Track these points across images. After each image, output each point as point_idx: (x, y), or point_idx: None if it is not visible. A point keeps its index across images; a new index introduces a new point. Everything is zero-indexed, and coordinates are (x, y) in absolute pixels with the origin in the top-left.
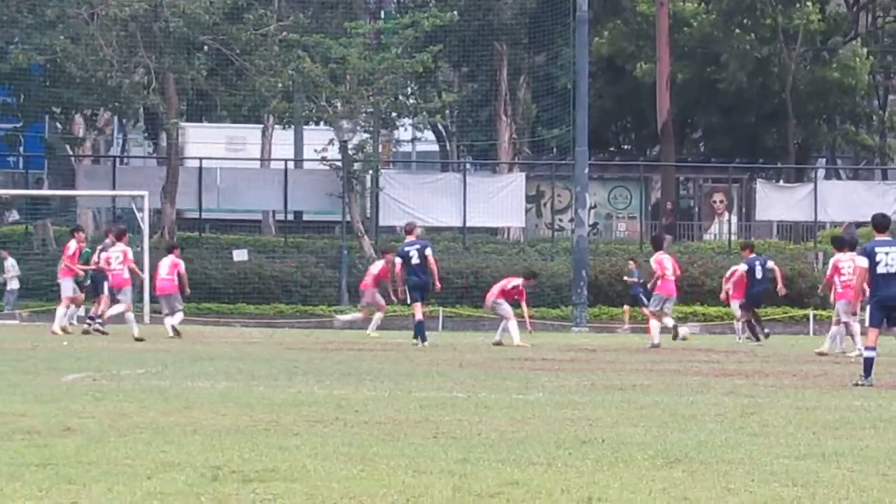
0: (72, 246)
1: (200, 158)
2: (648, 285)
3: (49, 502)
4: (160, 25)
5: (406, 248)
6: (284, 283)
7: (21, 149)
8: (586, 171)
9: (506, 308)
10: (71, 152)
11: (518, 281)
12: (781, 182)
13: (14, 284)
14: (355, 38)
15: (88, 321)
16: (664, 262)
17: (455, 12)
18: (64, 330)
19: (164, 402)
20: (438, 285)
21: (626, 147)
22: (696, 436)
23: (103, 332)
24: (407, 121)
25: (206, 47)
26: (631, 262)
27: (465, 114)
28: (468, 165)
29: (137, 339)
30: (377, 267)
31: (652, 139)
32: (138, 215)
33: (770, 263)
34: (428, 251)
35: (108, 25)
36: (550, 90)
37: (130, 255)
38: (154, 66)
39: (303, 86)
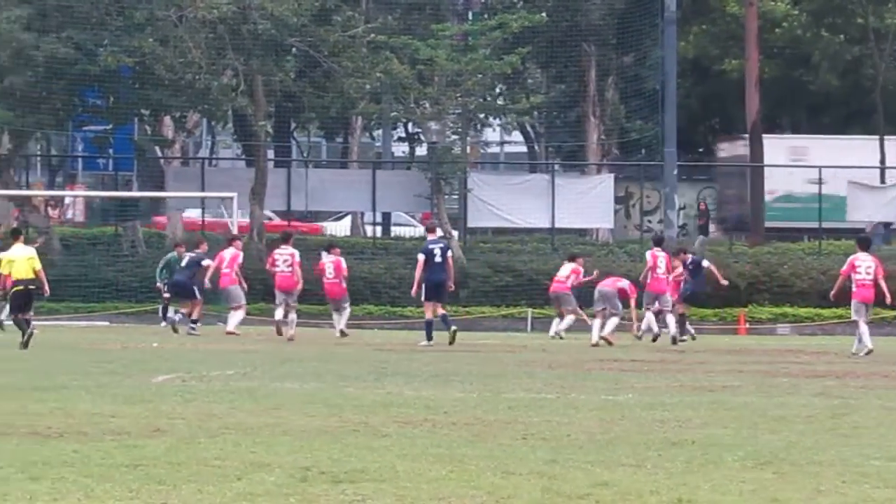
0: (228, 253)
1: (289, 160)
2: (640, 278)
3: (139, 503)
4: (248, 27)
5: (430, 247)
6: (373, 285)
7: (110, 151)
8: (675, 171)
9: (618, 305)
10: (160, 154)
11: (626, 283)
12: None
13: None
14: (443, 40)
15: (192, 325)
16: (658, 259)
17: (543, 14)
18: (232, 333)
19: (253, 403)
20: (452, 286)
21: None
22: (786, 437)
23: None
24: (495, 122)
25: (294, 49)
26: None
27: (552, 115)
28: (556, 166)
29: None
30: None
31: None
32: (227, 217)
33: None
34: (450, 252)
35: (197, 28)
36: (639, 91)
37: (298, 258)
38: (242, 69)
39: (391, 87)
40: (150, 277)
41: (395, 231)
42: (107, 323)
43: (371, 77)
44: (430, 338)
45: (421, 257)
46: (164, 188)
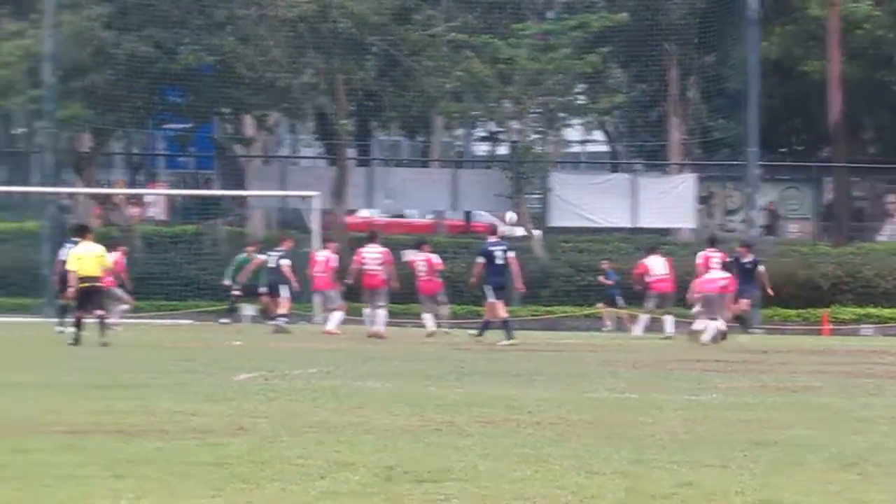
0: (321, 256)
1: (370, 159)
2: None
3: (223, 501)
4: (329, 26)
5: (490, 248)
6: (455, 284)
7: (191, 149)
8: (757, 171)
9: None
10: (240, 152)
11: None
12: None
13: None
14: (523, 39)
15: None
16: (710, 260)
17: (625, 14)
18: (332, 333)
19: (336, 402)
20: (521, 287)
21: (796, 148)
22: (871, 438)
23: (286, 332)
24: (576, 121)
25: (374, 48)
26: (604, 262)
27: (634, 114)
28: (638, 166)
29: (376, 336)
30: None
31: (822, 140)
32: (308, 216)
33: None
34: (511, 253)
35: (277, 26)
36: (720, 91)
37: (390, 255)
38: (323, 67)
39: (471, 86)
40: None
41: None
42: (189, 321)
43: (452, 76)
44: (510, 336)
45: (480, 260)
46: (244, 186)
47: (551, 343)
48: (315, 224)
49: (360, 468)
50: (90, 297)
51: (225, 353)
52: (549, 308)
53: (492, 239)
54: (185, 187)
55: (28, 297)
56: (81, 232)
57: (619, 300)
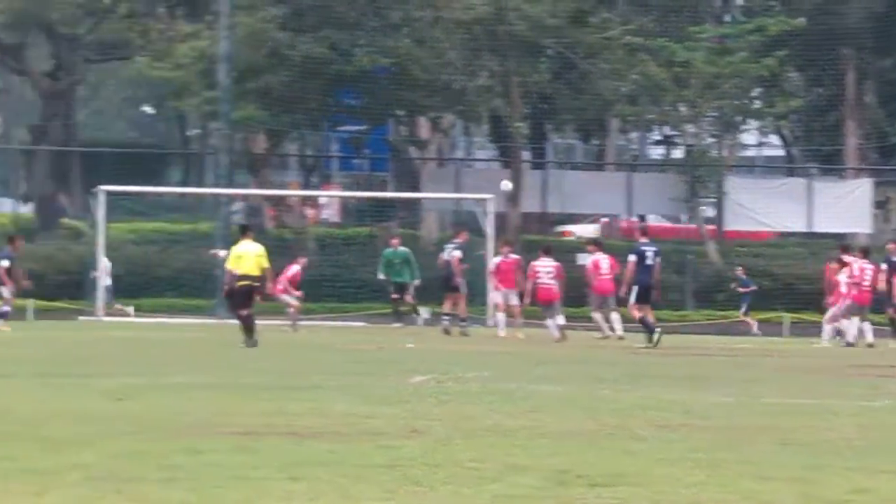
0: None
1: (544, 162)
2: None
3: (396, 503)
4: (504, 29)
5: (643, 248)
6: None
7: (366, 151)
8: None
9: None
10: (415, 155)
11: None
12: None
13: (107, 281)
14: (700, 43)
15: (450, 321)
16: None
17: (802, 18)
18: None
19: (510, 405)
20: (658, 294)
21: None
22: None
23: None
24: (752, 125)
25: (549, 51)
26: (738, 269)
27: (810, 118)
28: (813, 170)
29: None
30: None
31: None
32: (482, 219)
33: None
34: (658, 258)
35: (453, 28)
36: None
37: (562, 269)
38: (498, 70)
39: (647, 89)
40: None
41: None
42: (362, 323)
43: (627, 79)
44: (651, 338)
45: (632, 258)
46: (419, 189)
47: (725, 347)
48: (489, 226)
49: (533, 472)
50: (245, 296)
51: (398, 355)
52: (723, 312)
53: (643, 239)
54: (359, 189)
55: (202, 299)
56: (243, 231)
57: (745, 307)
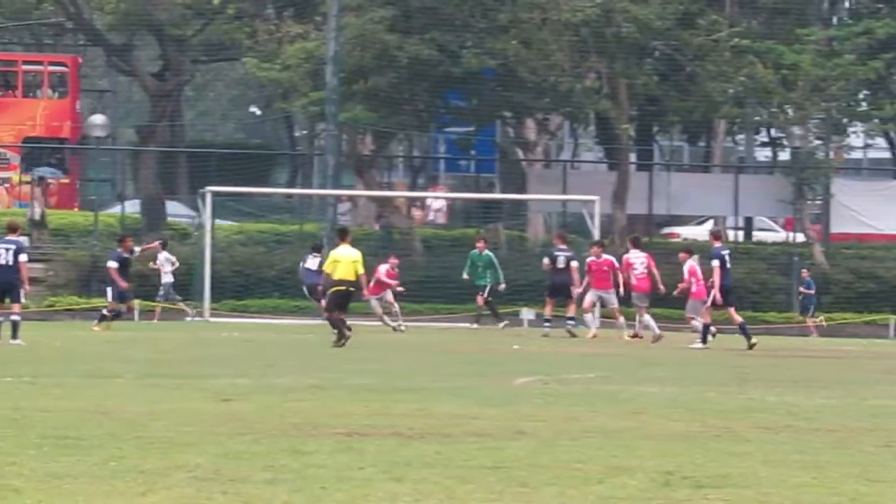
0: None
1: (651, 164)
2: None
3: None
4: (612, 31)
5: (723, 252)
6: (735, 290)
7: (473, 152)
8: None
9: None
10: (522, 156)
11: None
12: None
13: (168, 278)
14: (807, 45)
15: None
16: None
17: None
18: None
19: (615, 407)
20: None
21: None
22: None
23: (572, 335)
24: (858, 127)
25: (657, 52)
26: (804, 272)
27: None
28: None
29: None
30: None
31: None
32: (589, 220)
33: None
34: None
35: (560, 30)
36: None
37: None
38: (605, 71)
39: (754, 92)
40: (510, 280)
41: (757, 236)
42: (468, 325)
43: (735, 81)
44: (704, 340)
45: (716, 262)
46: (525, 190)
47: (831, 349)
48: (596, 228)
49: (637, 473)
50: (342, 300)
51: (504, 356)
52: (829, 314)
53: (717, 244)
54: (466, 191)
55: (308, 301)
56: (341, 235)
57: (811, 309)
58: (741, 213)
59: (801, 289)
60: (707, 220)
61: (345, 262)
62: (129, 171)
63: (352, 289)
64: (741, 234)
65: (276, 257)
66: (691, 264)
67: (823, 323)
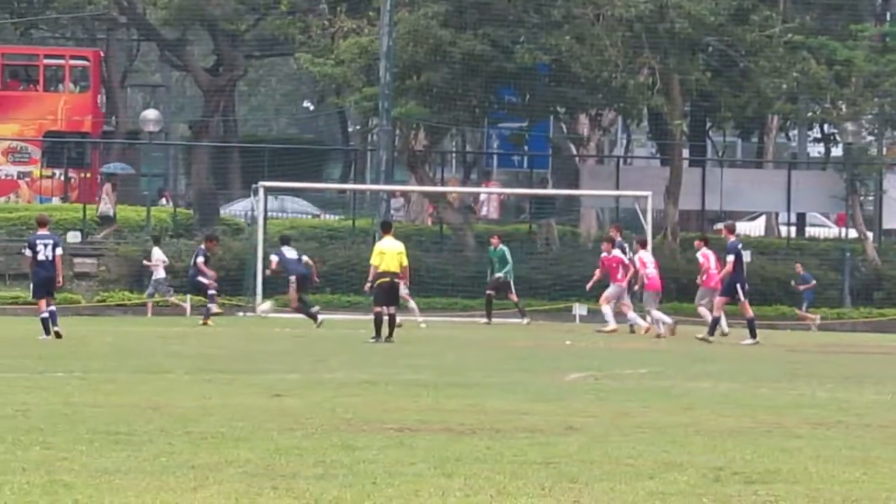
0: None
1: (704, 159)
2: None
3: (552, 500)
4: (665, 26)
5: (738, 246)
6: (785, 285)
7: (525, 148)
8: None
9: None
10: (575, 152)
11: None
12: None
13: (160, 273)
14: (861, 41)
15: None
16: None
17: None
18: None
19: (667, 402)
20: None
21: None
22: None
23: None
24: None
25: (710, 48)
26: (798, 266)
27: None
28: None
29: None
30: None
31: None
32: (641, 216)
33: None
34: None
35: (614, 26)
36: None
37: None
38: (658, 67)
39: (807, 88)
40: (564, 275)
41: (810, 231)
42: (518, 320)
43: (788, 77)
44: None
45: (731, 256)
46: (578, 186)
47: (883, 346)
48: (648, 224)
49: (688, 469)
50: (388, 292)
51: (555, 352)
52: (881, 310)
53: (732, 238)
54: (519, 186)
55: (360, 296)
56: (385, 228)
57: (806, 303)
58: (794, 208)
59: (796, 284)
60: (759, 215)
61: (390, 253)
62: (181, 167)
63: (396, 280)
64: (794, 229)
65: (328, 252)
66: (705, 252)
67: (818, 319)
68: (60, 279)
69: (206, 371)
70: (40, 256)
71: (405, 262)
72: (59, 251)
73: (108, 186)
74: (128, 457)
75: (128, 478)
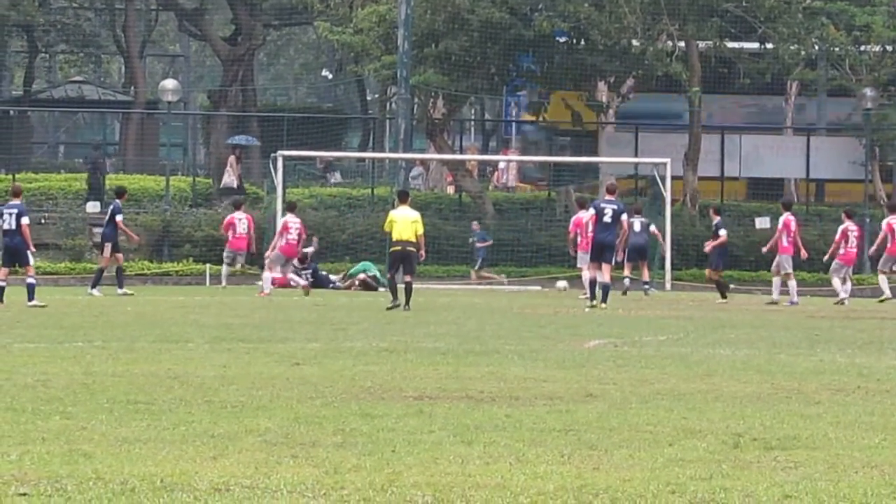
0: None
1: (722, 126)
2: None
3: (571, 467)
4: None
5: (602, 205)
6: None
7: (544, 115)
8: None
9: None
10: (595, 119)
11: None
12: None
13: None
14: (880, 6)
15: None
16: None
17: None
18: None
19: (686, 369)
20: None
21: None
22: None
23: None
24: None
25: (728, 14)
26: (474, 224)
27: None
28: None
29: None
30: None
31: None
32: (660, 182)
33: None
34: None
35: None
36: None
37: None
38: (677, 33)
39: (826, 53)
40: None
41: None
42: (538, 287)
43: (807, 43)
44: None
45: (590, 213)
46: (597, 153)
47: None
48: (667, 191)
49: (707, 435)
50: (399, 260)
51: (575, 319)
52: None
53: (608, 197)
54: (538, 154)
55: (380, 264)
56: (401, 197)
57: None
58: (812, 174)
59: (473, 242)
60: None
61: (402, 221)
62: (200, 136)
63: (409, 248)
64: (813, 196)
65: (347, 221)
66: (785, 218)
67: (503, 279)
68: (31, 247)
69: (226, 340)
70: (5, 226)
71: (420, 231)
72: (24, 220)
73: (232, 158)
74: (147, 426)
75: (147, 447)
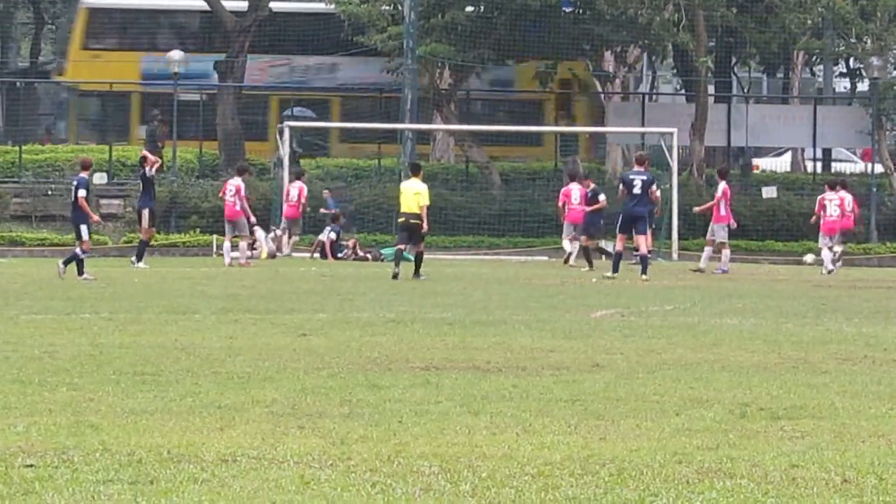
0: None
1: (729, 95)
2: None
3: (578, 437)
4: None
5: (631, 177)
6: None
7: (551, 86)
8: None
9: None
10: (600, 89)
11: None
12: None
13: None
14: None
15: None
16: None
17: None
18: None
19: (693, 339)
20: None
21: None
22: None
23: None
24: None
25: None
26: (325, 191)
27: None
28: None
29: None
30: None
31: None
32: (667, 152)
33: None
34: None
35: None
36: None
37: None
38: (684, 3)
39: (833, 23)
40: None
41: (836, 167)
42: (545, 258)
43: (813, 12)
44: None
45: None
46: (604, 123)
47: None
48: (674, 161)
49: (714, 405)
50: (406, 231)
51: (581, 290)
52: None
53: (636, 168)
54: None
55: (386, 234)
56: (413, 169)
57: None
58: (819, 144)
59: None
60: (786, 151)
61: (406, 194)
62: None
63: (413, 220)
64: (819, 165)
65: (354, 192)
66: (724, 187)
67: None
68: (92, 217)
69: (233, 311)
70: (72, 198)
71: (423, 202)
72: (81, 192)
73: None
74: (154, 397)
75: (154, 418)
